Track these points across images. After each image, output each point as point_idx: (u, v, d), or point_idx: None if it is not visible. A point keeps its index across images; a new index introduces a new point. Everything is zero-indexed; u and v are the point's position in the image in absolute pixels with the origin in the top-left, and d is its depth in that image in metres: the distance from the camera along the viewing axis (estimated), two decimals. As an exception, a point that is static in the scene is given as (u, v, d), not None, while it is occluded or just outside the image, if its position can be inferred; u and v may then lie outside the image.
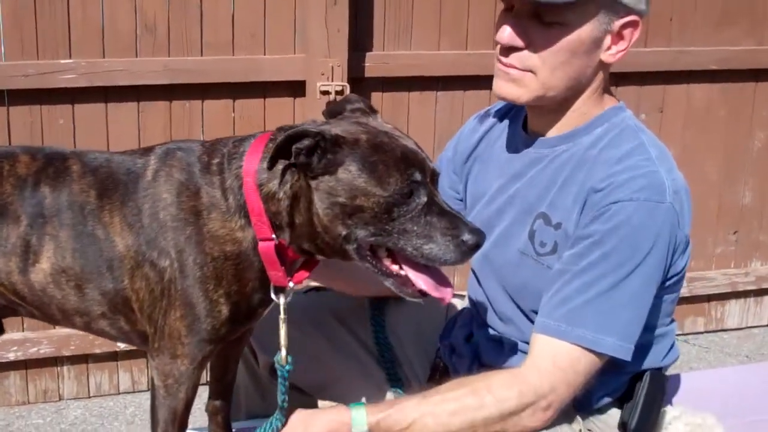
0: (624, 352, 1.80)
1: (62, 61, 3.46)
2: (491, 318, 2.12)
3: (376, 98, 3.86)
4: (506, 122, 2.14)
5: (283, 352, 1.85)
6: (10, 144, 3.46)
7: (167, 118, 3.69)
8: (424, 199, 1.67)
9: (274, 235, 1.76)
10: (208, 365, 2.08)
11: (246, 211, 1.77)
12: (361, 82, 3.77)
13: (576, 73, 1.88)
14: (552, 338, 1.81)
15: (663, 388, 2.00)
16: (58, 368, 3.83)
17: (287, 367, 1.86)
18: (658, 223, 1.78)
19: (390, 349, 2.36)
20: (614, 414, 1.98)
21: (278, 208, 1.75)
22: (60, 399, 3.87)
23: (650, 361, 1.96)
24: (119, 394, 3.95)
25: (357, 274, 2.26)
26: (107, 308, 1.90)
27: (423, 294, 1.74)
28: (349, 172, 1.67)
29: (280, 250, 1.79)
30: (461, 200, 2.25)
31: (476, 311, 2.19)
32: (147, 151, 1.94)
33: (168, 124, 3.69)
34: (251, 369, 2.42)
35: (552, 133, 1.98)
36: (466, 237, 1.65)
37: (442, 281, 1.76)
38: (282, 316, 1.83)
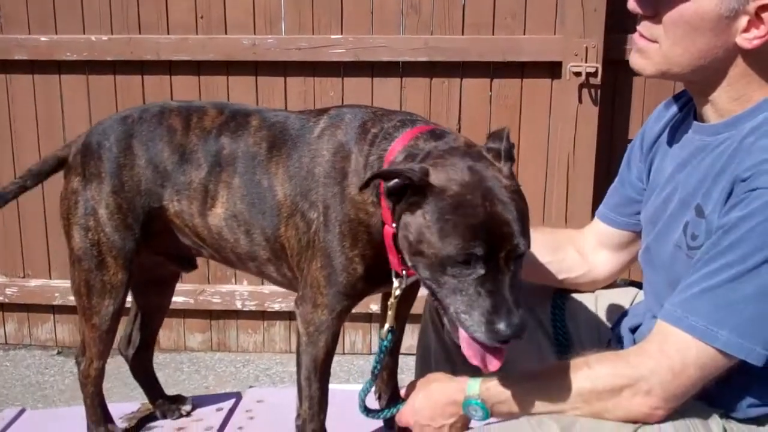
0: (744, 351, 1.61)
1: (332, 36, 3.74)
2: (658, 311, 2.01)
3: (638, 81, 3.71)
4: (690, 107, 2.01)
5: (386, 327, 1.99)
6: (286, 112, 3.84)
7: (427, 94, 3.83)
8: (481, 272, 1.64)
9: (395, 225, 1.81)
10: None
11: (379, 190, 1.83)
12: (619, 65, 3.63)
13: (700, 52, 1.73)
14: (665, 323, 1.70)
15: None
16: (319, 323, 4.12)
17: (385, 343, 2.01)
18: None
19: (566, 333, 2.31)
20: None
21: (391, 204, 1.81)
22: (317, 352, 4.16)
23: None
24: (371, 354, 4.11)
25: (540, 265, 2.27)
26: (270, 253, 2.07)
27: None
28: (424, 219, 1.68)
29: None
30: (645, 190, 2.15)
31: (648, 303, 2.09)
32: (322, 111, 2.08)
33: (428, 99, 3.84)
34: (441, 336, 2.48)
35: (715, 119, 1.83)
36: (501, 327, 1.63)
37: (491, 350, 1.71)
38: (391, 300, 1.91)
